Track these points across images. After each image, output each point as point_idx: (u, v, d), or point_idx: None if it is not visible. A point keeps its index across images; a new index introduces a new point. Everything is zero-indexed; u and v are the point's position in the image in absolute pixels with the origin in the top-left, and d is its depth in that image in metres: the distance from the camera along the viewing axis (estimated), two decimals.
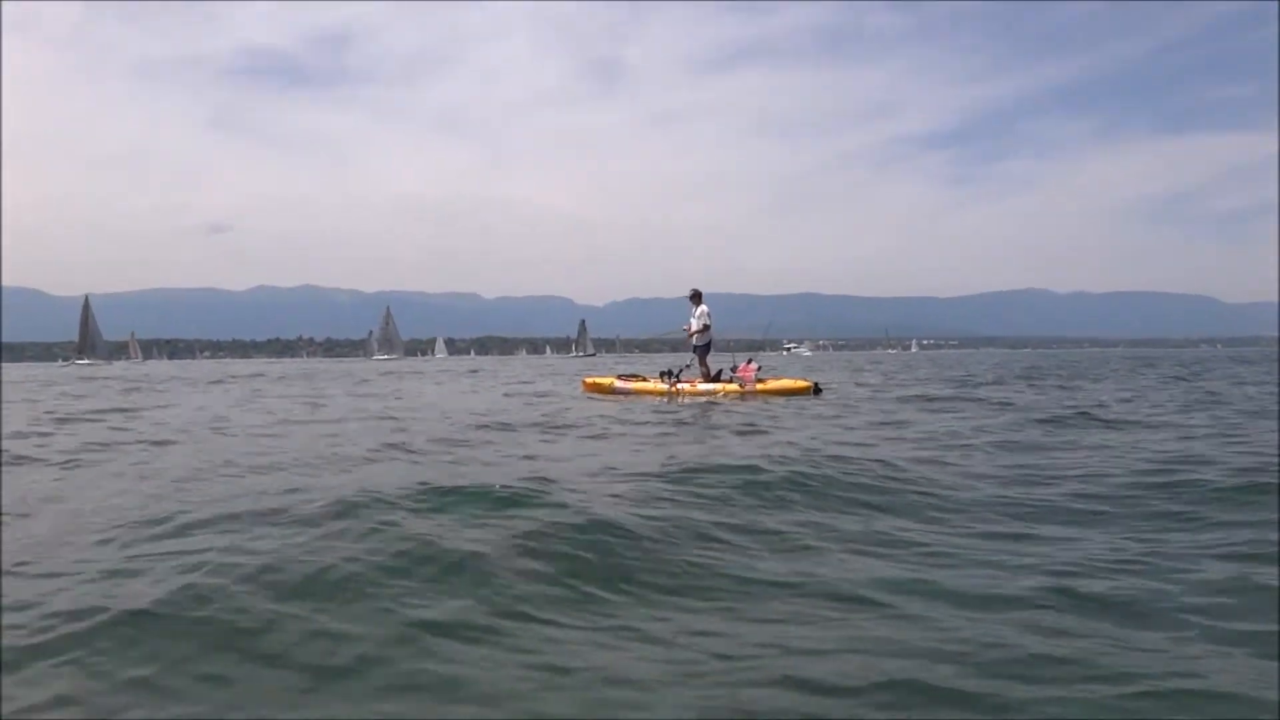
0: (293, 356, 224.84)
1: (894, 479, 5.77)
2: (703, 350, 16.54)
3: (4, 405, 16.24)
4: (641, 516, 4.37)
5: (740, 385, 15.16)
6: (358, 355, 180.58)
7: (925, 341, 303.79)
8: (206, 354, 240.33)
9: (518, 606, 3.08)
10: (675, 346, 24.56)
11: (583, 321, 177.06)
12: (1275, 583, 3.19)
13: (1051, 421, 10.06)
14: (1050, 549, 3.89)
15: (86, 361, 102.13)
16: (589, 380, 18.16)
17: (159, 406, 15.54)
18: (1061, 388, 18.34)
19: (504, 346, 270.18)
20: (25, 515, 4.91)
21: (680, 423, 10.16)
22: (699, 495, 5.04)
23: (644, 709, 2.29)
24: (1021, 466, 6.45)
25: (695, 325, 16.61)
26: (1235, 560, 3.61)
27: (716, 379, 15.79)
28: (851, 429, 9.44)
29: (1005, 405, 13.08)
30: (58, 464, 7.17)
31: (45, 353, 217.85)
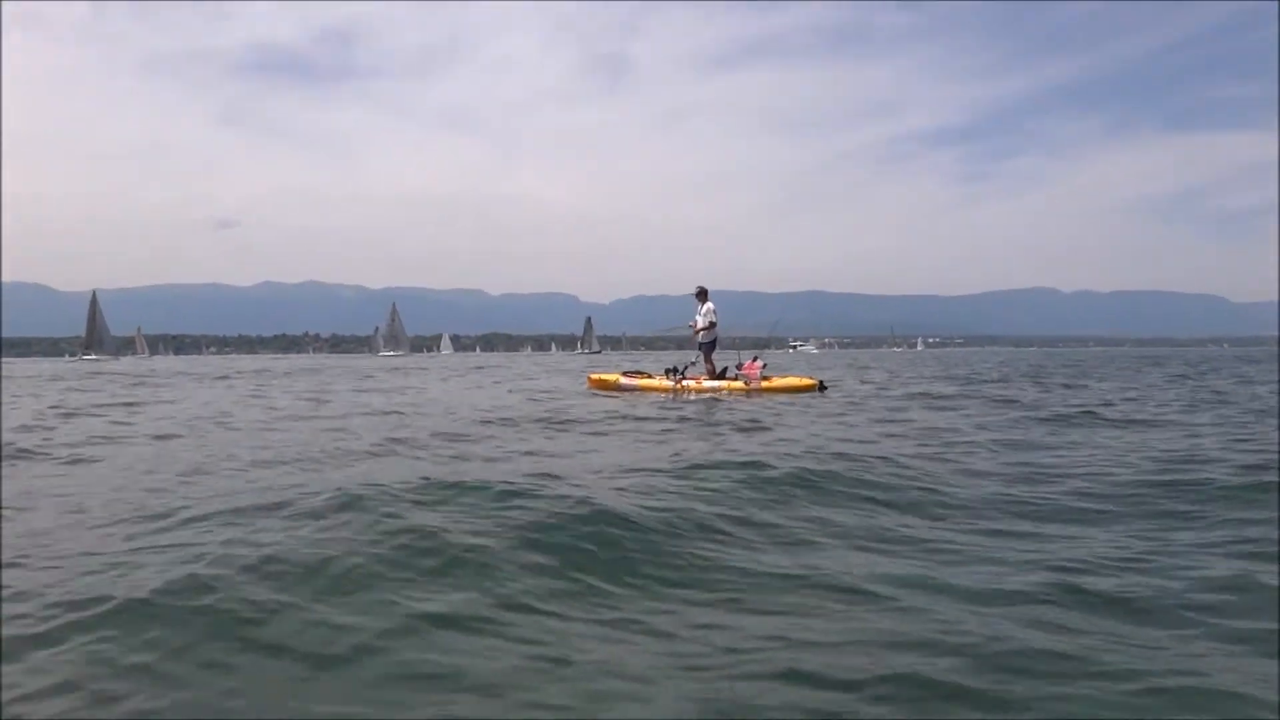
0: (298, 352, 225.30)
1: (898, 475, 5.77)
2: (708, 348, 16.54)
3: (12, 400, 16.30)
4: (645, 509, 4.38)
5: (745, 383, 15.16)
6: (363, 351, 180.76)
7: (931, 339, 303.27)
8: (212, 349, 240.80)
9: (520, 598, 3.09)
10: (681, 344, 24.57)
11: (589, 319, 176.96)
12: (1276, 581, 3.17)
13: (1056, 419, 10.05)
14: (1054, 545, 3.88)
15: (94, 357, 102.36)
16: (594, 376, 18.17)
17: (164, 401, 15.59)
18: (1066, 386, 18.30)
19: (509, 343, 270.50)
20: (27, 509, 4.92)
21: (684, 419, 10.16)
22: (702, 490, 5.03)
23: (645, 701, 2.29)
24: (1025, 464, 6.44)
25: (701, 322, 16.60)
26: (1240, 558, 3.60)
27: (722, 376, 15.79)
28: (856, 426, 9.43)
29: (1010, 402, 13.07)
30: (63, 459, 7.20)
31: (52, 348, 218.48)
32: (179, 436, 8.78)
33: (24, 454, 7.41)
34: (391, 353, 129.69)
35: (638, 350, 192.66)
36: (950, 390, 16.89)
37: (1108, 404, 12.78)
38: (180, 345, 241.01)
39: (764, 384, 15.08)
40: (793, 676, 2.42)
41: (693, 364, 16.44)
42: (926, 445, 7.60)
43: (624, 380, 17.02)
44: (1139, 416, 10.58)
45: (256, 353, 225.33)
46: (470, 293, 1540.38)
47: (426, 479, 5.08)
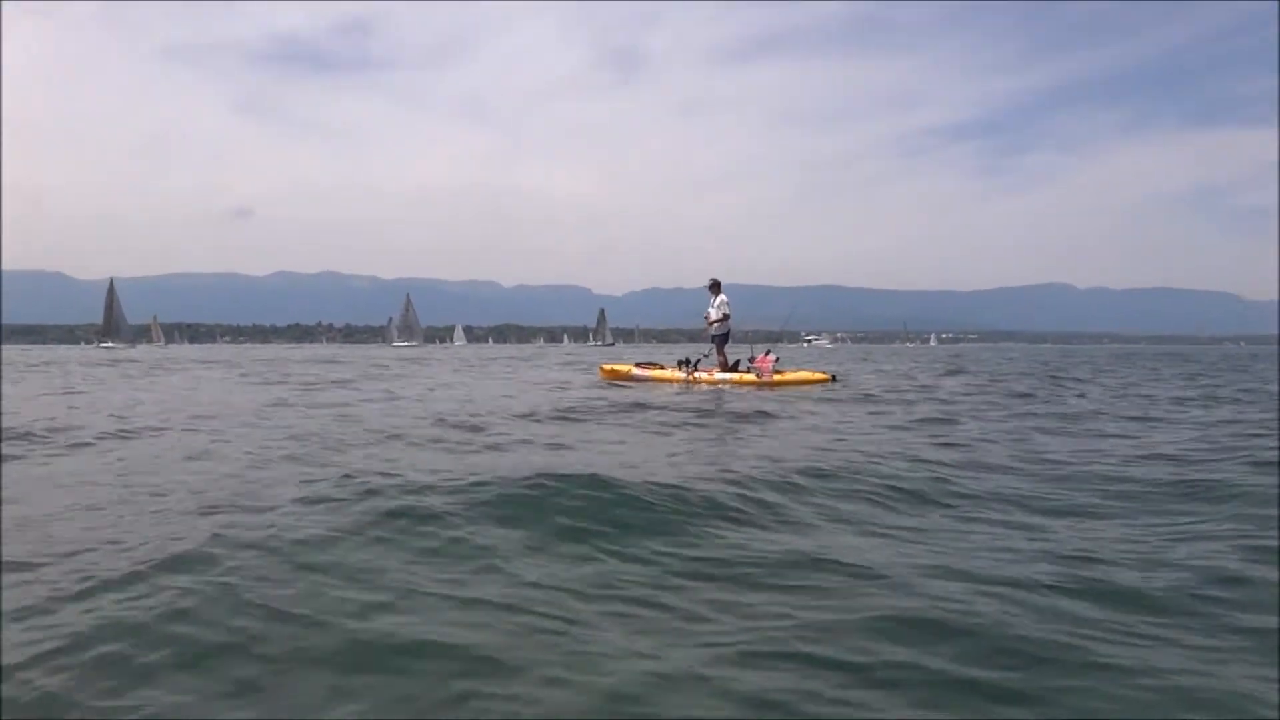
0: (312, 342, 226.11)
1: (905, 468, 5.81)
2: (721, 340, 16.59)
3: (37, 386, 16.47)
4: (655, 496, 4.47)
5: (757, 375, 15.21)
6: (376, 342, 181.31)
7: (944, 335, 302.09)
8: (227, 338, 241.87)
9: (535, 579, 3.17)
10: (693, 337, 24.60)
11: (602, 311, 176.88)
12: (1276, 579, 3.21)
13: (1068, 416, 10.07)
14: (1064, 536, 3.92)
15: (110, 344, 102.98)
16: (606, 367, 18.28)
17: (186, 390, 15.72)
18: (1080, 380, 18.26)
19: (522, 335, 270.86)
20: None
21: (697, 410, 10.22)
22: (710, 481, 5.10)
23: (664, 688, 2.32)
24: (1043, 460, 6.47)
25: (714, 315, 16.65)
26: (1249, 556, 3.63)
27: (734, 369, 15.85)
28: (872, 417, 9.48)
29: (1024, 397, 13.08)
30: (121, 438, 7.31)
31: (68, 335, 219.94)
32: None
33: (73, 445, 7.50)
34: (405, 343, 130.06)
35: (650, 343, 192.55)
36: (964, 384, 16.90)
37: (1122, 398, 12.80)
38: (195, 334, 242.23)
39: (776, 377, 15.13)
40: (797, 658, 2.47)
41: (705, 357, 16.50)
42: (941, 439, 7.65)
43: (637, 371, 17.13)
44: (1153, 413, 10.60)
45: (270, 342, 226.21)
46: (483, 284, 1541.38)
47: (451, 472, 5.15)
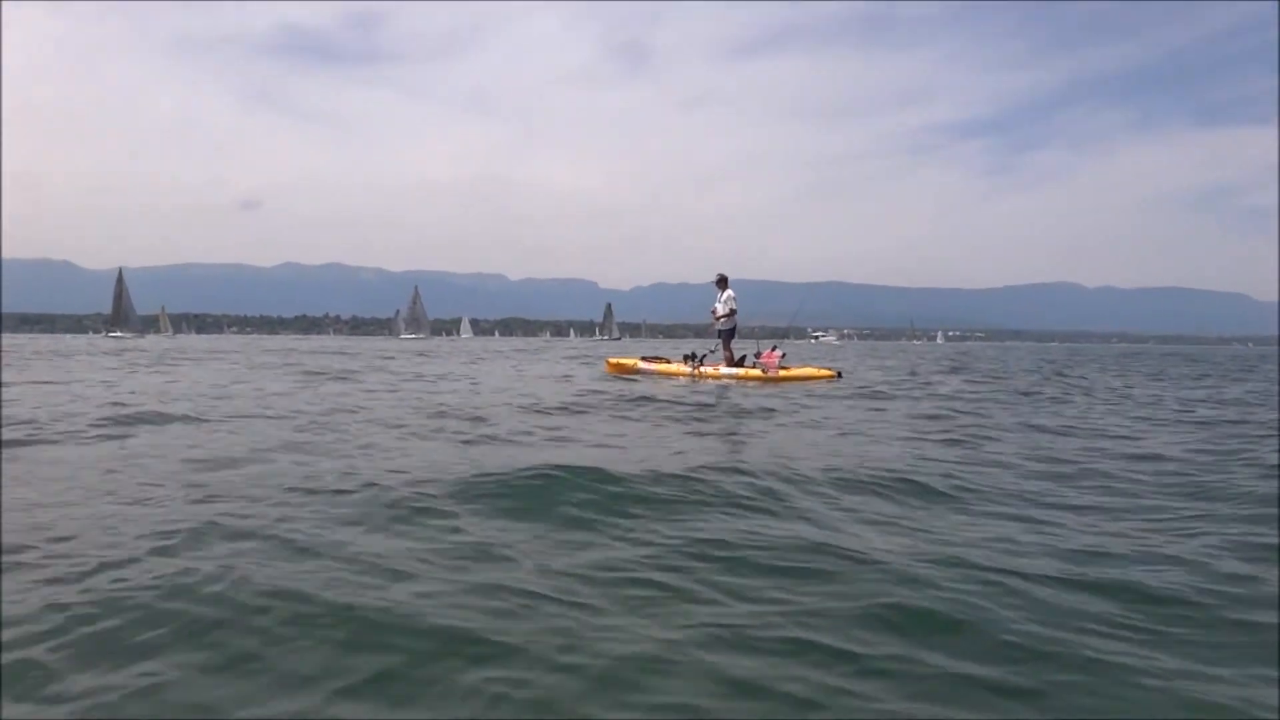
0: (319, 333, 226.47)
1: (910, 463, 5.81)
2: (727, 335, 16.58)
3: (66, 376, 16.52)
4: (665, 486, 4.50)
5: (763, 371, 15.21)
6: (383, 334, 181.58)
7: (951, 333, 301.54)
8: (234, 329, 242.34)
9: (536, 565, 3.18)
10: (699, 332, 24.60)
11: (609, 305, 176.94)
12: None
13: (1076, 412, 10.05)
14: (1071, 533, 3.92)
15: (119, 334, 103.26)
16: (613, 361, 18.28)
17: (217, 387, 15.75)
18: (1085, 378, 18.23)
19: (528, 328, 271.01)
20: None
21: (702, 404, 10.23)
22: (715, 471, 5.11)
23: (662, 673, 2.33)
24: (1048, 457, 6.47)
25: (721, 310, 16.64)
26: (1250, 554, 3.63)
27: (740, 364, 15.85)
28: (877, 413, 9.47)
29: (1033, 395, 13.07)
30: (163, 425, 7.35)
31: (76, 325, 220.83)
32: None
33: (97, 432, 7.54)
34: (412, 335, 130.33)
35: (656, 338, 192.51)
36: (970, 382, 16.88)
37: (1126, 397, 12.79)
38: (202, 324, 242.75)
39: (782, 373, 15.12)
40: (795, 644, 2.49)
41: (711, 352, 16.50)
42: (944, 433, 7.66)
43: (643, 365, 17.15)
44: (1158, 414, 10.58)
45: (278, 333, 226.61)
46: (490, 277, 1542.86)
47: (465, 467, 5.16)
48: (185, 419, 8.08)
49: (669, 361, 16.95)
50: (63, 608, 2.71)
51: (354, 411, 8.97)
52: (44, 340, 70.91)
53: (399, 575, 3.05)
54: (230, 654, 2.39)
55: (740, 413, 9.33)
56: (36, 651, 2.41)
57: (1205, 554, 3.55)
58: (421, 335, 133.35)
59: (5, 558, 3.26)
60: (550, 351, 44.83)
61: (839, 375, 15.69)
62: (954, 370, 23.58)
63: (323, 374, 17.05)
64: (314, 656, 2.38)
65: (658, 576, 3.11)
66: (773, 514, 4.18)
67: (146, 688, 2.20)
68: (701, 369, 15.87)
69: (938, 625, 2.65)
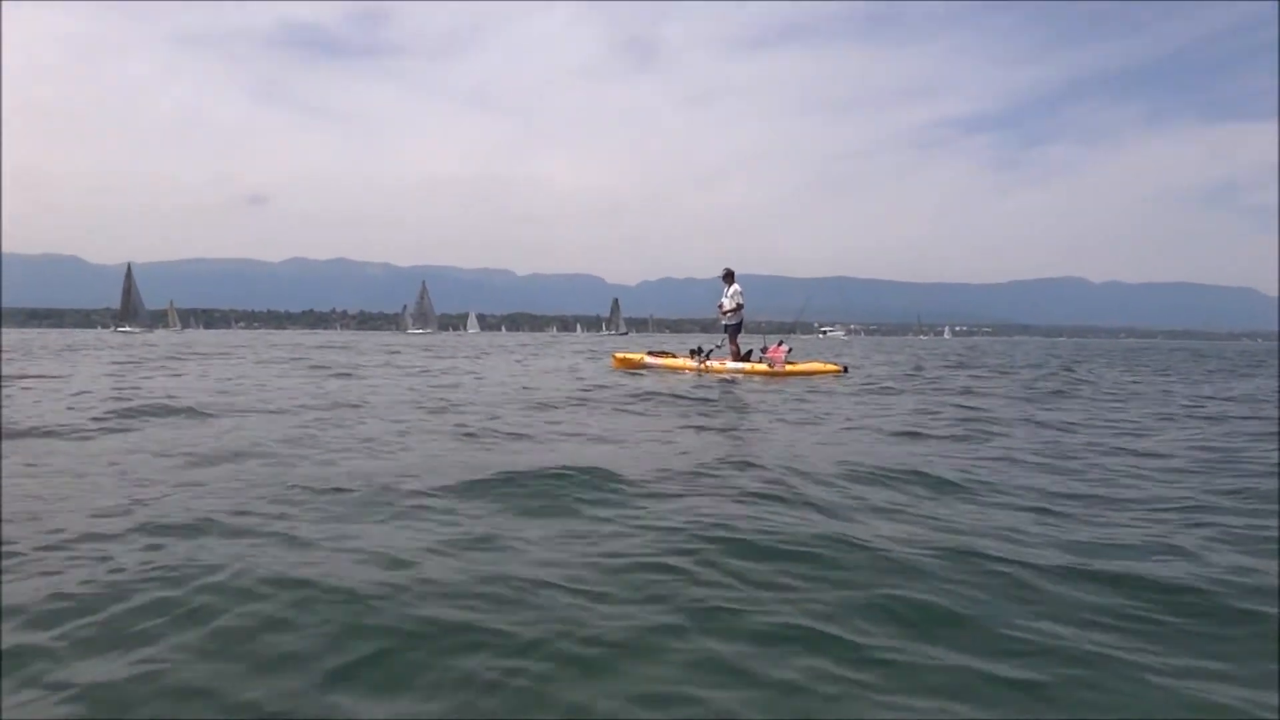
0: (326, 328, 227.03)
1: (918, 456, 5.80)
2: (734, 330, 16.55)
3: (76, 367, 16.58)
4: (671, 480, 4.51)
5: (769, 365, 15.19)
6: (390, 328, 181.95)
7: (958, 328, 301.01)
8: (241, 324, 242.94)
9: (539, 556, 3.18)
10: (706, 327, 24.57)
11: (616, 300, 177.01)
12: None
13: (1085, 409, 10.03)
14: (1079, 526, 3.91)
15: (128, 329, 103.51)
16: (619, 356, 18.27)
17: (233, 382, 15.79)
18: (1094, 374, 18.18)
19: (535, 323, 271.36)
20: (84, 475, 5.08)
21: (707, 399, 10.22)
22: (722, 464, 5.11)
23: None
24: (1057, 452, 6.45)
25: (728, 304, 16.61)
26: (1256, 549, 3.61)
27: (746, 359, 15.83)
28: (883, 409, 9.46)
29: (1041, 390, 13.04)
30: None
31: (84, 320, 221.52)
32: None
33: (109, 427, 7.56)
34: (420, 330, 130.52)
35: (663, 332, 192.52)
36: (976, 377, 16.85)
37: (1135, 394, 12.76)
38: (210, 319, 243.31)
39: (788, 368, 15.10)
40: (804, 632, 2.50)
41: (718, 347, 16.47)
42: (954, 427, 7.65)
43: (649, 359, 17.16)
44: (1167, 408, 10.56)
45: (285, 328, 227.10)
46: (497, 272, 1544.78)
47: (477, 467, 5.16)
48: (189, 412, 8.10)
49: (675, 356, 16.95)
50: (65, 596, 2.73)
51: (358, 406, 8.98)
52: (53, 335, 71.18)
53: (400, 564, 3.05)
54: (229, 639, 2.41)
55: (745, 407, 9.33)
56: (38, 638, 2.43)
57: (1210, 547, 3.54)
58: (429, 330, 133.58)
59: (6, 548, 3.27)
60: (557, 346, 44.89)
61: (845, 370, 15.67)
62: (960, 365, 23.52)
63: (327, 368, 17.07)
64: (313, 641, 2.39)
65: (669, 561, 3.13)
66: (782, 501, 4.18)
67: (146, 674, 2.21)
68: (708, 364, 15.86)
69: (941, 617, 2.65)
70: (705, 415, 8.44)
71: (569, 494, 4.28)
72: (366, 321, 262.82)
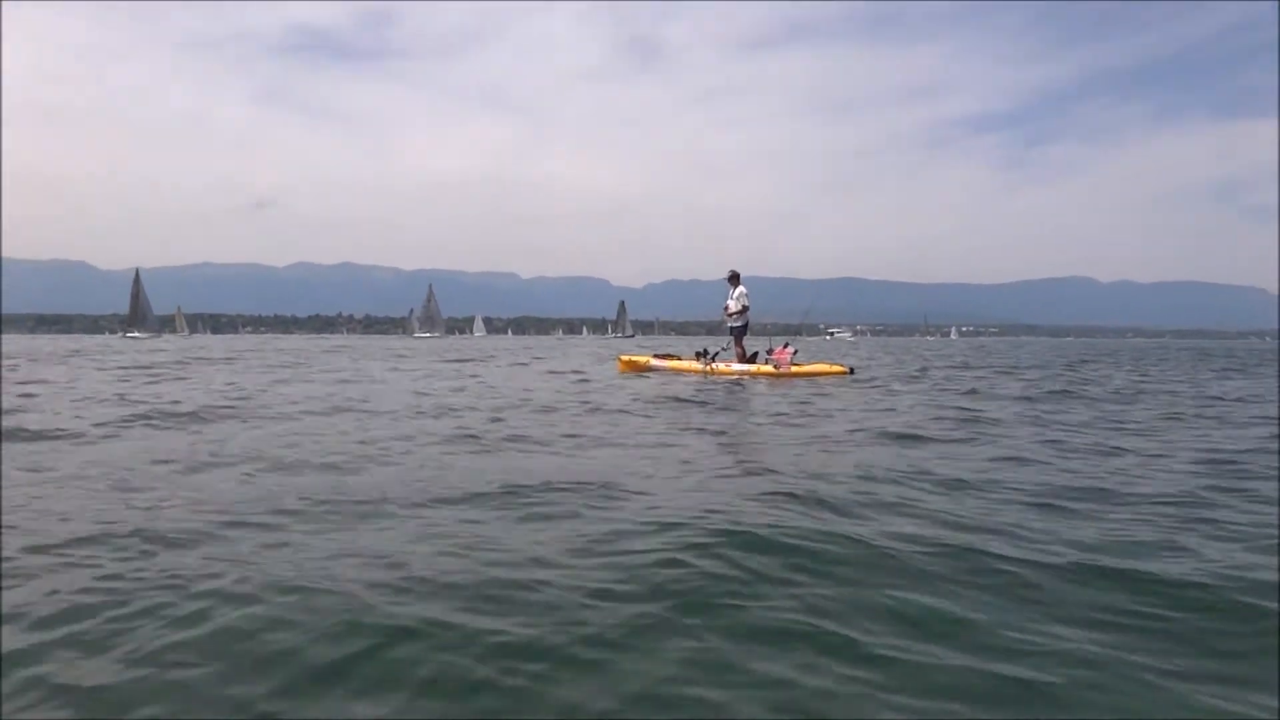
0: (332, 333, 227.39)
1: (924, 456, 5.78)
2: (739, 331, 16.53)
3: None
4: (679, 483, 4.46)
5: (775, 367, 15.17)
6: (397, 332, 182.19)
7: (965, 329, 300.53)
8: (248, 329, 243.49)
9: (539, 554, 3.17)
10: (712, 329, 24.58)
11: (622, 303, 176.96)
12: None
13: (1091, 407, 10.00)
14: (1086, 524, 3.89)
15: (136, 334, 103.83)
16: (625, 358, 18.25)
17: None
18: (1101, 374, 18.14)
19: (541, 326, 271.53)
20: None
21: (713, 401, 10.21)
22: (729, 461, 5.10)
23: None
24: (1064, 453, 6.43)
25: (734, 306, 16.58)
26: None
27: (752, 361, 15.81)
28: (888, 409, 9.44)
29: (1048, 390, 13.00)
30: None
31: (93, 325, 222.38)
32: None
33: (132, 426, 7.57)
34: (427, 334, 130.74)
35: (669, 335, 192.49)
36: (983, 377, 16.82)
37: (1142, 393, 12.72)
38: (217, 324, 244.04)
39: (794, 369, 15.08)
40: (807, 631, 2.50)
41: (724, 349, 16.45)
42: (960, 426, 7.63)
43: (655, 362, 17.15)
44: (1176, 409, 10.52)
45: (291, 333, 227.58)
46: (501, 275, 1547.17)
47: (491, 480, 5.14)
48: (194, 417, 8.12)
49: (681, 358, 16.94)
50: (63, 598, 2.75)
51: (364, 413, 8.99)
52: (62, 340, 71.45)
53: (397, 565, 3.06)
54: (227, 640, 2.41)
55: (751, 410, 9.32)
56: (37, 639, 2.44)
57: (1220, 547, 3.52)
58: (436, 334, 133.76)
59: (7, 549, 3.28)
60: (563, 349, 44.90)
61: (851, 371, 15.65)
62: (966, 365, 23.48)
63: (337, 373, 17.10)
64: (310, 641, 2.40)
65: (679, 555, 3.14)
66: (792, 498, 4.18)
67: (145, 675, 2.22)
68: (714, 366, 15.85)
69: (947, 617, 2.64)
70: (710, 417, 8.43)
71: (570, 495, 4.27)
72: (373, 325, 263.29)
